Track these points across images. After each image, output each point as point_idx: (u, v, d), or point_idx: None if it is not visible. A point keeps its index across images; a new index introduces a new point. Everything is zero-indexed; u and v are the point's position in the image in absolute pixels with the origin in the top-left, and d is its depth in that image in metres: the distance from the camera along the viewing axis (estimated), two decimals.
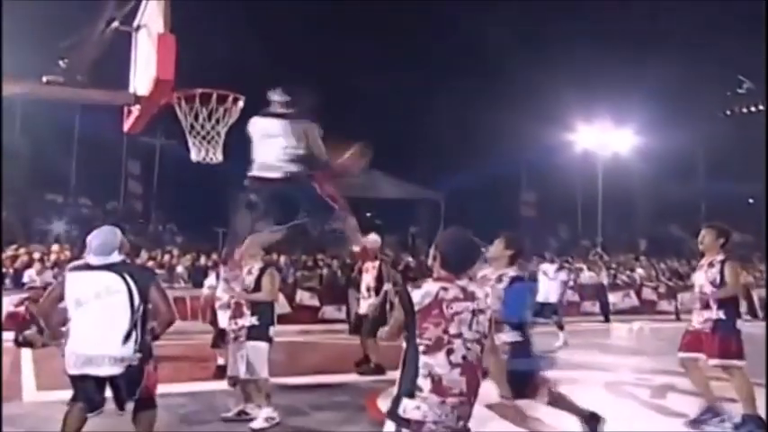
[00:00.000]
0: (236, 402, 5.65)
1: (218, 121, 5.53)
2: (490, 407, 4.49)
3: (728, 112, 28.52)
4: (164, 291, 3.87)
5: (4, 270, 11.20)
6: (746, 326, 5.26)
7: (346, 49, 26.99)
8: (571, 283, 13.44)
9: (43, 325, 3.91)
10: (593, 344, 10.52)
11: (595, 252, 18.75)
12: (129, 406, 3.76)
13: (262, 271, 5.60)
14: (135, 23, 5.68)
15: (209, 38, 15.95)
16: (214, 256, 12.80)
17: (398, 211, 28.61)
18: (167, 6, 4.80)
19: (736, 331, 5.04)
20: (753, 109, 30.02)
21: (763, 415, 4.99)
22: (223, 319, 6.58)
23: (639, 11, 26.92)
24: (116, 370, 3.55)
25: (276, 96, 4.48)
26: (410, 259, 16.81)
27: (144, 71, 5.27)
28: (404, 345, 2.80)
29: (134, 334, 3.59)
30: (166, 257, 13.01)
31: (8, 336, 8.26)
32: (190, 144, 5.58)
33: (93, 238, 3.81)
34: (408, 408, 2.68)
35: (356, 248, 5.55)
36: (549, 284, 10.58)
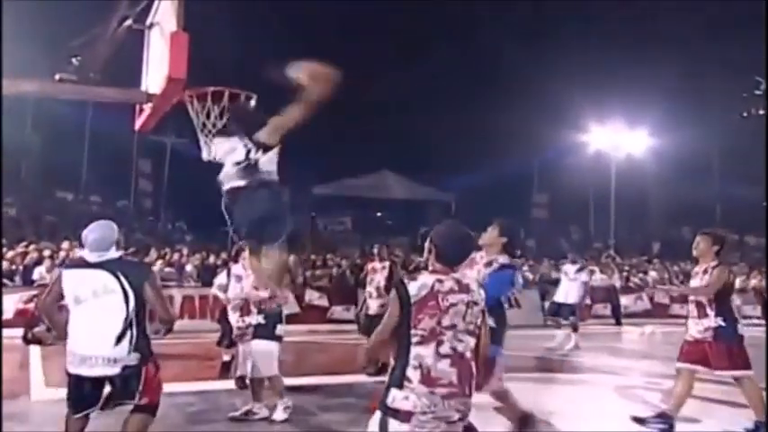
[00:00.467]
0: (243, 402, 5.64)
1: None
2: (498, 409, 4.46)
3: (745, 114, 28.14)
4: (159, 289, 3.71)
5: (13, 267, 11.26)
6: (748, 329, 5.25)
7: (361, 50, 27.01)
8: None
9: (48, 324, 3.81)
10: (604, 347, 10.42)
11: (607, 254, 18.59)
12: (126, 407, 3.62)
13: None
14: (148, 21, 5.69)
15: (221, 36, 15.96)
16: (223, 255, 12.82)
17: (409, 212, 28.61)
18: (180, 5, 4.80)
19: (738, 337, 5.02)
20: None
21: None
22: (234, 318, 6.57)
23: (654, 11, 26.69)
24: (111, 371, 3.45)
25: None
26: (420, 260, 16.74)
27: (156, 69, 5.28)
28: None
29: (128, 334, 3.47)
30: (176, 256, 13.03)
31: (17, 333, 8.30)
32: (201, 143, 5.57)
33: (89, 233, 3.66)
34: (397, 398, 2.72)
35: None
36: (569, 285, 10.54)
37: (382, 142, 27.65)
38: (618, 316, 14.83)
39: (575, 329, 10.29)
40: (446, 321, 2.75)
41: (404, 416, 2.69)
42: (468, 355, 2.81)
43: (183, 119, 5.67)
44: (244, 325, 5.52)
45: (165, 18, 5.21)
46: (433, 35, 29.34)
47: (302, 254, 15.71)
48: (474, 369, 2.83)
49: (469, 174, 26.56)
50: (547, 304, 14.40)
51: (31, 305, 9.47)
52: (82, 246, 3.72)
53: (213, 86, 5.48)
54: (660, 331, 13.47)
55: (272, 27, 24.83)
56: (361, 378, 7.26)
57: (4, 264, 11.19)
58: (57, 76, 5.49)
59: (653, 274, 18.05)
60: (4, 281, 10.70)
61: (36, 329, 7.08)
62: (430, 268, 2.92)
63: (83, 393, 3.51)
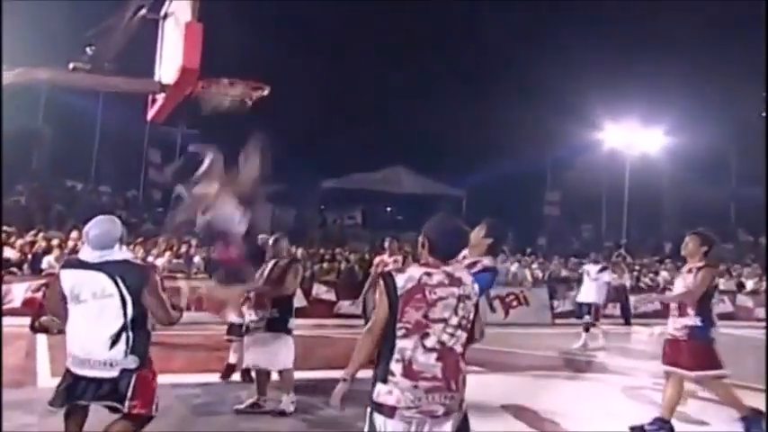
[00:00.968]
0: (248, 394, 5.64)
1: None
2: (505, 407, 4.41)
3: (763, 114, 27.75)
4: (158, 294, 3.48)
5: (22, 256, 11.33)
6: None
7: (376, 45, 26.96)
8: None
9: (58, 322, 3.73)
10: (613, 347, 10.34)
11: (618, 254, 18.44)
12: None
13: (288, 265, 5.63)
14: (162, 12, 5.68)
15: (235, 26, 15.96)
16: None
17: (420, 207, 28.54)
18: None
19: (709, 340, 5.02)
20: None
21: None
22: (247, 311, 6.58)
23: (670, 9, 26.35)
24: (108, 373, 3.34)
25: None
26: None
27: (170, 59, 5.27)
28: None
29: (124, 337, 3.35)
30: (184, 248, 13.03)
31: (25, 321, 8.34)
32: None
33: (91, 229, 3.46)
34: (381, 392, 2.71)
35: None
36: (590, 285, 10.51)
37: (396, 138, 27.64)
38: (627, 316, 14.71)
39: (586, 329, 10.25)
40: (434, 314, 2.70)
41: (388, 411, 2.67)
42: (459, 349, 2.76)
43: (194, 109, 5.68)
44: (257, 318, 5.51)
45: (179, 8, 5.21)
46: (449, 31, 29.23)
47: (310, 248, 15.70)
48: (461, 364, 2.78)
49: (482, 170, 26.43)
50: (556, 302, 14.36)
51: (39, 294, 9.50)
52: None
53: (226, 77, 5.48)
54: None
55: (289, 20, 24.81)
56: (368, 372, 7.25)
57: (13, 253, 11.27)
58: (71, 66, 5.49)
59: (664, 274, 17.88)
60: (13, 269, 10.78)
61: (43, 318, 7.10)
62: (421, 261, 2.89)
63: (75, 390, 3.39)
